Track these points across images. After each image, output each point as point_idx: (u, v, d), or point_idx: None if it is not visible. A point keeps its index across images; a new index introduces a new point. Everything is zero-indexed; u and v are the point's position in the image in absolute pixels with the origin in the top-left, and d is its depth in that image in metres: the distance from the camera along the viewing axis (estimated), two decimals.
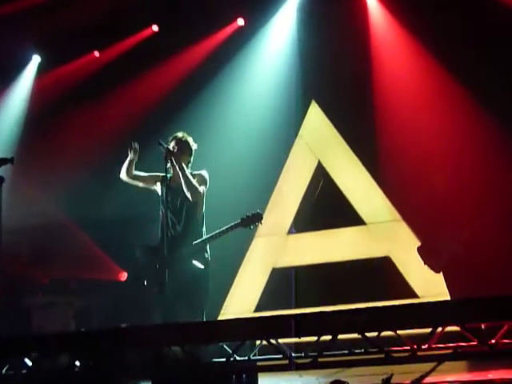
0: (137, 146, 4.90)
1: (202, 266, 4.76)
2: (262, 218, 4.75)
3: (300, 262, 6.89)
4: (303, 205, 7.06)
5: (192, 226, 4.84)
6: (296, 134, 7.11)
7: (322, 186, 7.00)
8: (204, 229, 4.90)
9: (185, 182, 4.82)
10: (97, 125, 7.13)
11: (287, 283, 6.91)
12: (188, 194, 4.81)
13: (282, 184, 7.18)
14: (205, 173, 4.99)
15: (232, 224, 4.77)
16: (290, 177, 7.14)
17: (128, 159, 4.95)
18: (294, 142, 7.12)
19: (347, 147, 6.90)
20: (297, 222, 7.07)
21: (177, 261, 4.66)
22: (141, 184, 4.98)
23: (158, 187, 5.05)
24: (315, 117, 7.09)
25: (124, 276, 7.32)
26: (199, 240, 4.76)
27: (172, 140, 5.01)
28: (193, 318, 4.65)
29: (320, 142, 7.06)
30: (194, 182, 4.89)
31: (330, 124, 7.05)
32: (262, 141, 6.95)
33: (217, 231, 4.74)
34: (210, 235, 4.76)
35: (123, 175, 4.96)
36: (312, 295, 6.58)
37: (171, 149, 4.88)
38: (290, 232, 7.04)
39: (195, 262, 4.69)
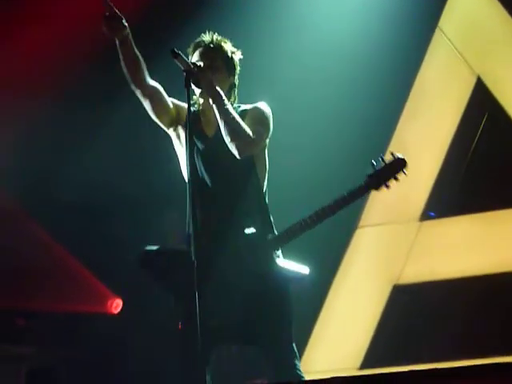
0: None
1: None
2: (406, 165, 4.40)
3: (445, 272, 6.57)
4: (449, 165, 6.72)
5: (245, 204, 4.55)
6: (433, 28, 6.82)
7: (486, 127, 6.56)
8: (267, 209, 4.63)
9: (225, 123, 4.48)
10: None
11: (423, 312, 6.56)
12: (232, 147, 4.49)
13: (406, 127, 6.82)
14: (264, 106, 4.62)
15: (352, 190, 4.36)
16: (422, 112, 6.79)
17: (118, 46, 4.50)
18: (429, 41, 6.80)
19: None
20: (438, 199, 6.75)
21: (223, 269, 4.42)
22: (154, 108, 4.69)
23: (175, 134, 4.72)
24: None
25: (118, 306, 7.14)
26: (278, 234, 4.46)
27: (195, 49, 4.64)
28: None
29: (480, 41, 6.72)
30: (243, 123, 4.52)
31: (498, 5, 6.58)
32: (369, 49, 6.66)
33: (314, 212, 4.38)
34: (298, 222, 4.41)
35: (131, 79, 4.60)
36: (471, 335, 6.32)
37: (196, 64, 4.45)
38: (425, 216, 6.71)
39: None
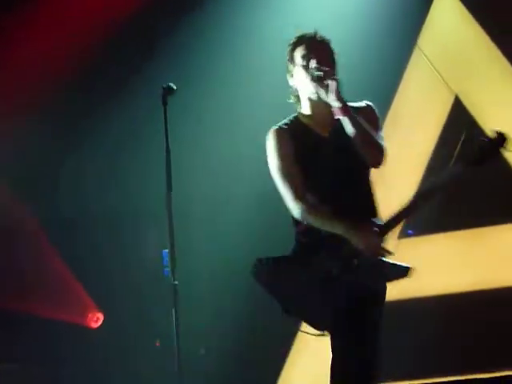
0: None
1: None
2: (505, 140, 4.13)
3: (424, 290, 6.55)
4: (429, 182, 6.27)
5: (369, 203, 4.42)
6: (412, 47, 6.84)
7: (464, 147, 6.12)
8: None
9: (358, 133, 4.20)
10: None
11: (403, 329, 6.38)
12: (369, 157, 4.29)
13: (387, 146, 6.61)
14: (374, 108, 4.45)
15: (456, 168, 4.31)
16: (400, 129, 6.75)
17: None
18: (408, 61, 6.82)
19: None
20: (416, 217, 6.26)
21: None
22: None
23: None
24: (446, 11, 6.78)
25: (98, 320, 7.09)
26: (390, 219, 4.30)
27: (298, 44, 4.26)
28: None
29: (458, 60, 6.75)
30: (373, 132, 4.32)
31: (476, 25, 6.62)
32: (347, 67, 6.23)
33: (420, 191, 4.46)
34: (409, 204, 4.22)
35: None
36: (448, 351, 6.33)
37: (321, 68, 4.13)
38: (403, 234, 6.69)
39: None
